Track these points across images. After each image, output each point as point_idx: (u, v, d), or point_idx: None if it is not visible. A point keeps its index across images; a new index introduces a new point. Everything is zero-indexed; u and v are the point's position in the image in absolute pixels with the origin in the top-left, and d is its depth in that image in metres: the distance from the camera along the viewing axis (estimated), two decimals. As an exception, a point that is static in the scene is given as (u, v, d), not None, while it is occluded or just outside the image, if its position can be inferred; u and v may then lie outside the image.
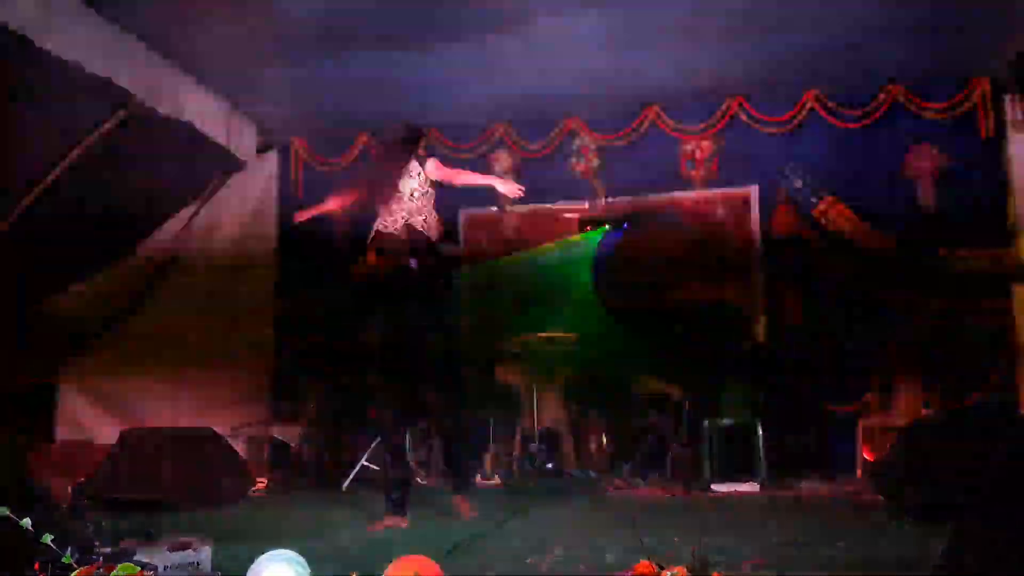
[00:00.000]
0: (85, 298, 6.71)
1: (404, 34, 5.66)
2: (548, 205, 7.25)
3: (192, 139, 6.53)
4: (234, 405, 7.11)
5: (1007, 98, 6.31)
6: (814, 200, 6.63)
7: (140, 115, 5.96)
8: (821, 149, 6.72)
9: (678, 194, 7.01)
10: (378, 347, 4.07)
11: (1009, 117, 6.30)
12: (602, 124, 7.13)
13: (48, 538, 2.13)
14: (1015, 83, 6.25)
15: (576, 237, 7.02)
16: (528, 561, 2.92)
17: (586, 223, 7.12)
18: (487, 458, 6.15)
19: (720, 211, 6.92)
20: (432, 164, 4.11)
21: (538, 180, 7.18)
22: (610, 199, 7.04)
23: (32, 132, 5.60)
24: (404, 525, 3.88)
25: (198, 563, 2.58)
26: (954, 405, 5.97)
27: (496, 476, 5.89)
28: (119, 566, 2.19)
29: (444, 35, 5.69)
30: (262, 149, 7.55)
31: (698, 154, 6.97)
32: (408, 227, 3.97)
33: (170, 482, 4.59)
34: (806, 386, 6.36)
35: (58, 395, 6.51)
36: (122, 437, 5.14)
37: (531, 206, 7.21)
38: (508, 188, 4.15)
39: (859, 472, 5.63)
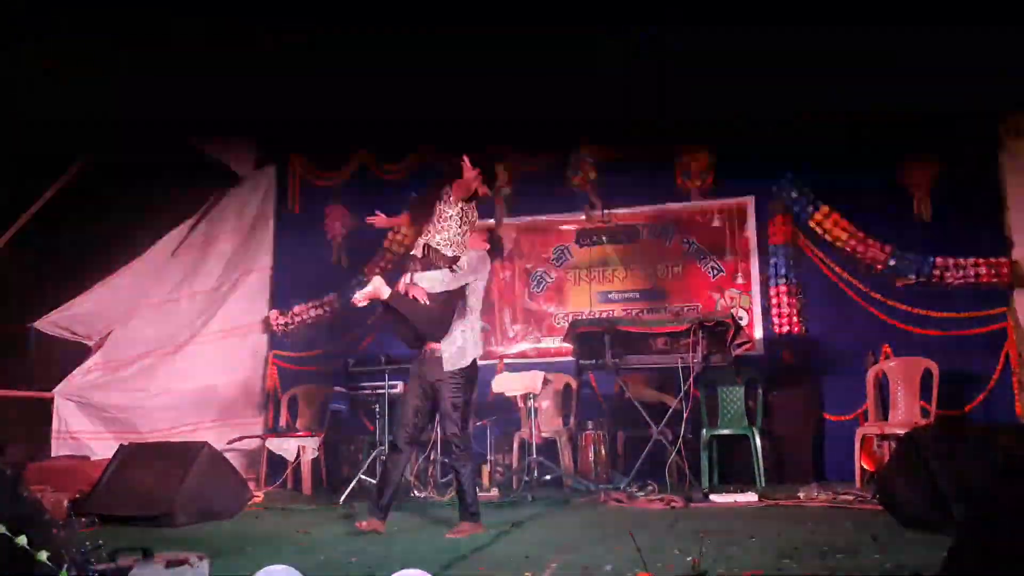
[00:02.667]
0: (83, 312, 6.71)
1: (403, 50, 5.68)
2: (545, 217, 7.27)
3: (190, 155, 6.55)
4: (230, 419, 7.09)
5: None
6: (810, 210, 6.65)
7: (139, 131, 5.98)
8: (817, 160, 6.74)
9: (675, 206, 7.04)
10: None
11: (1003, 127, 6.33)
12: (599, 137, 7.15)
13: (44, 555, 2.12)
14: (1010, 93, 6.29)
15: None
16: (526, 574, 2.91)
17: (583, 235, 7.14)
18: (485, 470, 6.13)
19: (716, 222, 6.94)
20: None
21: (535, 193, 7.22)
22: (607, 211, 7.05)
23: (30, 147, 5.61)
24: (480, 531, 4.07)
25: (195, 579, 2.57)
26: (952, 413, 5.98)
27: (494, 488, 5.87)
28: (115, 582, 2.17)
29: (443, 51, 5.70)
30: (260, 164, 7.57)
31: (695, 166, 6.99)
32: (427, 247, 4.22)
33: (167, 497, 4.57)
34: (804, 395, 6.37)
35: (54, 409, 6.48)
36: (118, 452, 5.13)
37: (528, 218, 7.23)
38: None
39: (857, 481, 5.63)
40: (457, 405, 4.15)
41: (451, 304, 4.22)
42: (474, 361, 4.26)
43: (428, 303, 4.12)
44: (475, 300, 4.34)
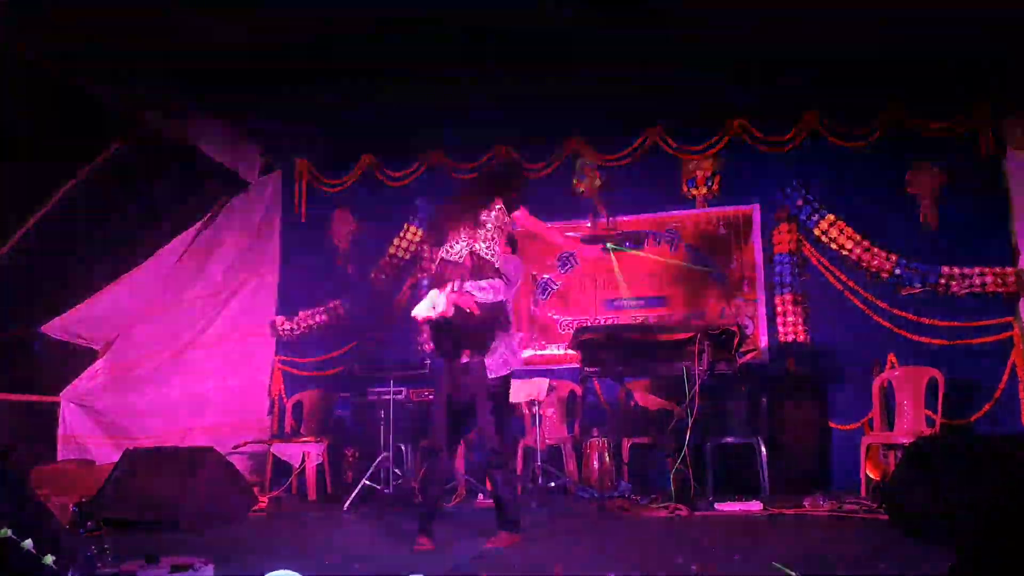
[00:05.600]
0: (89, 316, 6.73)
1: (408, 58, 5.70)
2: (550, 224, 7.27)
3: (196, 160, 6.58)
4: (234, 424, 7.10)
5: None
6: (816, 218, 6.64)
7: (145, 137, 6.01)
8: (822, 168, 6.75)
9: (680, 213, 7.04)
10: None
11: (1009, 136, 6.33)
12: (604, 144, 7.18)
13: (49, 559, 2.13)
14: (1015, 103, 6.29)
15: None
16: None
17: (588, 242, 7.14)
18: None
19: (722, 229, 6.94)
20: (522, 212, 4.27)
21: (540, 199, 7.22)
22: (612, 218, 7.05)
23: (38, 153, 5.64)
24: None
25: (199, 583, 2.58)
26: (958, 423, 5.95)
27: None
28: (121, 587, 2.18)
29: (447, 58, 5.72)
30: (266, 170, 7.60)
31: (700, 173, 7.00)
32: (473, 255, 4.06)
33: (172, 502, 4.58)
34: (809, 404, 6.36)
35: (60, 413, 6.50)
36: (124, 456, 5.14)
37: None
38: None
39: (862, 490, 5.61)
40: (494, 412, 4.11)
41: (495, 313, 4.14)
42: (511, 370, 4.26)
43: (478, 313, 4.01)
44: (511, 308, 4.35)
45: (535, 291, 7.28)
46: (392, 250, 7.44)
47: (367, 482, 5.75)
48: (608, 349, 5.63)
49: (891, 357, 6.21)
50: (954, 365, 5.95)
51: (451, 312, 3.94)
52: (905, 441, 5.29)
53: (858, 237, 6.51)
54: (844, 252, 6.54)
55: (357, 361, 6.74)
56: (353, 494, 5.63)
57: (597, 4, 5.06)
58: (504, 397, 4.24)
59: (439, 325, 4.07)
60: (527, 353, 7.12)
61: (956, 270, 6.22)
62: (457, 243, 4.08)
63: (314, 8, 5.10)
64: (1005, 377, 6.06)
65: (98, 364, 6.82)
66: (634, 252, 6.81)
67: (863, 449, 5.71)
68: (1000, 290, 6.14)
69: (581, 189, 7.21)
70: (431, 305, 3.97)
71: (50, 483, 5.34)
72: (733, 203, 6.95)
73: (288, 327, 7.47)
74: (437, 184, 7.21)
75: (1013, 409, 6.02)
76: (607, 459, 6.16)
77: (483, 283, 4.03)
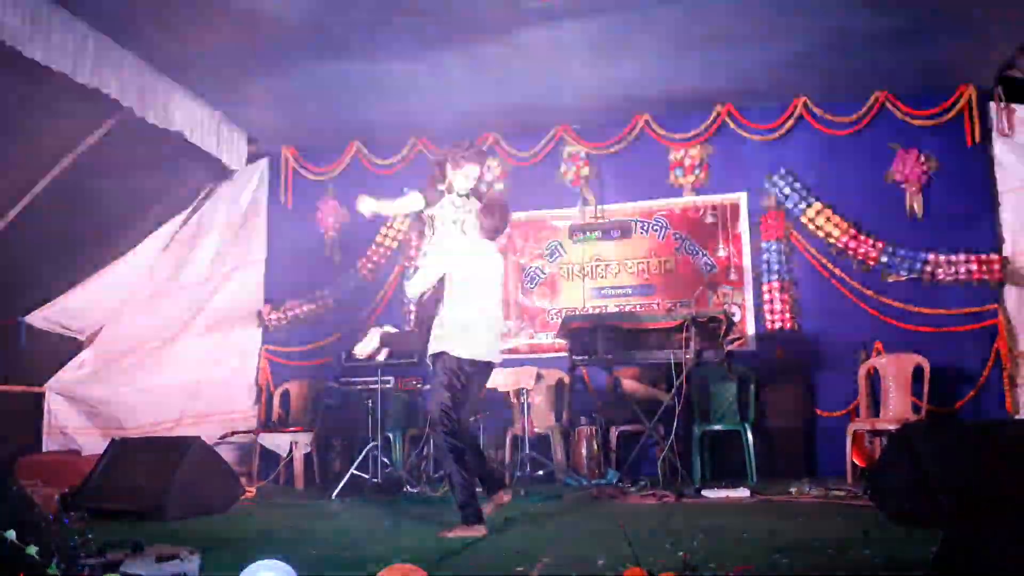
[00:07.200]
0: (74, 306, 6.68)
1: (394, 43, 5.67)
2: (538, 212, 7.27)
3: (182, 148, 6.52)
4: (221, 413, 7.07)
5: (992, 105, 6.37)
6: (803, 206, 6.66)
7: (129, 125, 5.95)
8: (809, 156, 6.77)
9: (668, 201, 7.04)
10: None
11: (994, 124, 6.36)
12: (592, 132, 7.17)
13: (33, 549, 2.11)
14: (1000, 90, 6.32)
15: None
16: (518, 569, 2.92)
17: (576, 230, 7.14)
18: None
19: (709, 217, 6.95)
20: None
21: (528, 188, 7.22)
22: (600, 206, 7.05)
23: (21, 142, 5.58)
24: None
25: (186, 574, 2.57)
26: (943, 409, 6.00)
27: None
28: (106, 577, 2.17)
29: (434, 45, 5.70)
30: (252, 158, 7.54)
31: (687, 161, 7.00)
32: None
33: (158, 492, 4.56)
34: (796, 391, 6.39)
35: (45, 404, 6.46)
36: (110, 446, 5.11)
37: (521, 213, 7.22)
38: None
39: (849, 477, 5.65)
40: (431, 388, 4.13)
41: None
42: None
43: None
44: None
45: (523, 280, 7.28)
46: (379, 239, 7.40)
47: (355, 471, 5.74)
48: (596, 337, 5.64)
49: (877, 344, 6.26)
50: (939, 352, 6.01)
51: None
52: (891, 427, 5.34)
53: (845, 225, 6.54)
54: (831, 240, 6.56)
55: (344, 350, 6.71)
56: (341, 483, 5.62)
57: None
58: (433, 374, 4.14)
59: None
60: (515, 342, 7.12)
61: (942, 258, 6.26)
62: None
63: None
64: (989, 364, 6.11)
65: (84, 354, 6.78)
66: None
67: (849, 435, 5.76)
68: (985, 277, 6.18)
69: (569, 177, 7.20)
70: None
71: (35, 474, 5.30)
72: (721, 191, 6.96)
73: (275, 316, 7.44)
74: (424, 172, 7.15)
75: (997, 395, 6.07)
76: (595, 447, 6.18)
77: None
